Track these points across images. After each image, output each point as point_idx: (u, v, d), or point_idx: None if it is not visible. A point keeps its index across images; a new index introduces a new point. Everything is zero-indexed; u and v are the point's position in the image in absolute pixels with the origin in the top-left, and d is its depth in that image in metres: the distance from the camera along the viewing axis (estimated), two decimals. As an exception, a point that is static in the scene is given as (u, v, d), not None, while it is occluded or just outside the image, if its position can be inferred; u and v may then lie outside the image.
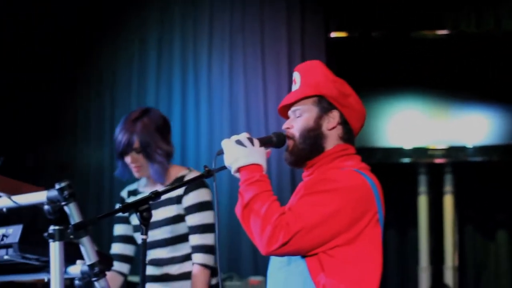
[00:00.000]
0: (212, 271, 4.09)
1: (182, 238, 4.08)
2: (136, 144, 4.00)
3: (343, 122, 2.87)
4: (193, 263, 3.97)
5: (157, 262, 4.08)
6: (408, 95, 6.45)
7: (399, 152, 6.36)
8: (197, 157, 6.75)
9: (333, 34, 6.52)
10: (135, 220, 4.15)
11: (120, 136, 4.01)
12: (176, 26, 6.95)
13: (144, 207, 2.48)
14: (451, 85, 6.38)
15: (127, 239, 4.22)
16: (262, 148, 2.77)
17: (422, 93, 6.44)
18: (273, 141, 2.84)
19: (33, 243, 2.83)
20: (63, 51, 6.96)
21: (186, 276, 4.05)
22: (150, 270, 4.09)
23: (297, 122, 2.87)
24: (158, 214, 4.02)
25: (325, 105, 2.86)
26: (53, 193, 2.71)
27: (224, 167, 2.77)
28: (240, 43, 6.83)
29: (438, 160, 6.31)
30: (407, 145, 6.36)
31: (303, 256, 2.67)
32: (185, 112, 6.84)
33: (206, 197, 4.03)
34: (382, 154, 6.37)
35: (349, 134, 2.89)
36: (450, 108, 6.40)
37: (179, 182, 3.96)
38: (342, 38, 6.51)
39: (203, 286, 3.96)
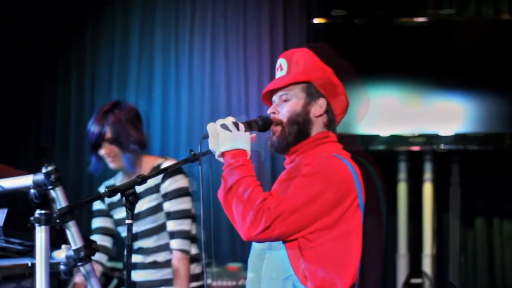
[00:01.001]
0: (192, 258, 4.14)
1: (164, 228, 4.11)
2: (108, 134, 4.08)
3: (328, 110, 2.92)
4: (171, 249, 4.03)
5: (144, 251, 4.12)
6: (387, 82, 6.46)
7: (377, 139, 6.37)
8: (177, 142, 6.75)
9: (316, 20, 6.50)
10: (118, 214, 4.19)
11: (92, 128, 4.11)
12: (158, 9, 6.92)
13: (130, 191, 2.50)
14: (429, 72, 6.38)
15: (106, 231, 4.31)
16: (248, 133, 2.77)
17: (401, 80, 6.44)
18: (259, 125, 2.85)
19: (18, 227, 2.83)
20: (41, 42, 6.92)
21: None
22: (138, 259, 4.14)
23: (283, 107, 2.89)
24: (140, 205, 4.09)
25: (313, 91, 2.90)
26: (40, 177, 2.69)
27: (210, 151, 2.77)
28: (222, 28, 6.81)
29: (416, 148, 6.32)
30: (385, 133, 6.36)
31: (283, 242, 2.68)
32: (166, 98, 6.83)
33: (183, 183, 4.10)
34: (361, 141, 6.38)
35: (332, 123, 2.94)
36: (428, 96, 6.40)
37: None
38: (324, 24, 6.49)
39: (185, 272, 3.99)
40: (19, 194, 2.97)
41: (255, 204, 2.56)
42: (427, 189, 6.53)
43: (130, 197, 2.50)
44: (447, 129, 6.30)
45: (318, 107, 2.89)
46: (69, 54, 7.02)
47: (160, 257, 4.11)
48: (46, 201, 2.69)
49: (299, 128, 2.86)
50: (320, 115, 2.90)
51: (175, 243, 4.01)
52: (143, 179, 2.56)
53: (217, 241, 6.54)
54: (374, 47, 6.39)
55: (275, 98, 2.94)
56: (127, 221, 2.48)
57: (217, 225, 6.44)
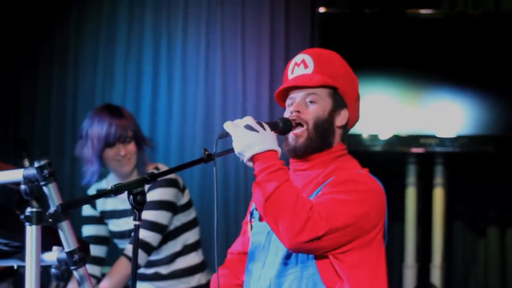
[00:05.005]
0: (200, 267, 4.25)
1: (166, 238, 4.14)
2: (130, 132, 4.11)
3: (347, 123, 2.95)
4: (122, 253, 4.06)
5: (147, 263, 4.13)
6: (397, 77, 6.35)
7: (378, 139, 6.27)
8: (167, 140, 6.69)
9: (322, 10, 6.42)
10: (114, 225, 4.24)
11: (113, 127, 4.05)
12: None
13: (138, 189, 2.47)
14: (442, 69, 6.30)
15: (99, 240, 4.31)
16: (273, 133, 2.74)
17: (411, 76, 6.34)
18: (279, 127, 2.81)
19: (4, 226, 2.78)
20: (23, 23, 6.85)
21: (176, 274, 4.22)
22: (140, 270, 4.16)
23: (309, 109, 2.87)
24: (127, 223, 4.21)
25: (339, 100, 2.90)
26: (31, 171, 2.65)
27: (228, 151, 2.75)
28: (219, 16, 6.73)
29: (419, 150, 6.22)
30: (387, 132, 6.24)
31: (314, 258, 2.70)
32: (156, 91, 6.75)
33: (168, 197, 4.11)
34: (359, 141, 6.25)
35: (346, 137, 2.97)
36: (426, 95, 6.30)
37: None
38: (330, 14, 6.40)
39: (122, 272, 3.99)
40: (8, 190, 2.93)
41: (304, 211, 2.56)
42: (438, 195, 6.44)
43: (138, 196, 2.47)
44: (460, 130, 6.20)
45: (341, 118, 2.90)
46: (52, 41, 6.93)
47: (163, 269, 4.16)
48: (37, 198, 2.64)
49: (323, 135, 2.86)
50: (341, 126, 2.91)
51: (127, 250, 4.03)
52: (152, 177, 2.54)
53: (211, 248, 6.49)
54: (388, 40, 6.30)
55: (296, 96, 2.90)
56: (134, 222, 2.46)
57: (209, 232, 6.42)
